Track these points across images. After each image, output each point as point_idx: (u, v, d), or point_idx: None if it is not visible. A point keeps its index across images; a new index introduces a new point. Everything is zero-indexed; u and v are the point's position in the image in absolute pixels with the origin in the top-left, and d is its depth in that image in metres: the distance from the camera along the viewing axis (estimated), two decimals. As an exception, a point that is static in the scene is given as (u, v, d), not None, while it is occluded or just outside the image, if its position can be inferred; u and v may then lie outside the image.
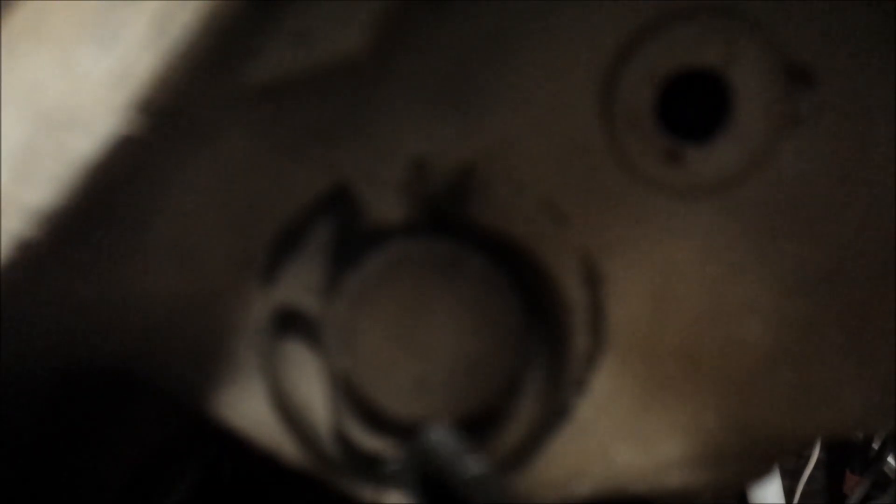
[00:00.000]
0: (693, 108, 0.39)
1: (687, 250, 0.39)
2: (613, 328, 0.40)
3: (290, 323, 0.39)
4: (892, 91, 0.38)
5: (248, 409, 0.39)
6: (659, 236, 0.39)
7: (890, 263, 0.39)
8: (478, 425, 0.40)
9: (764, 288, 0.39)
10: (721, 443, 0.40)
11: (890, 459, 1.60)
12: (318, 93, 0.37)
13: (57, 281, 0.35)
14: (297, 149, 0.37)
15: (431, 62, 0.38)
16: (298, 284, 0.39)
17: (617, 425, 0.40)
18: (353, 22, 0.36)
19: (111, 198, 0.34)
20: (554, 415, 0.40)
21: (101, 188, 0.32)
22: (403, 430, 0.39)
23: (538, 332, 0.40)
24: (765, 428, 0.40)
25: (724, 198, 0.39)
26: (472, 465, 0.36)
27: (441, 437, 0.38)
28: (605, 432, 0.40)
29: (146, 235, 0.37)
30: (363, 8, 0.35)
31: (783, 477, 1.60)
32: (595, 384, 0.40)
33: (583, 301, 0.39)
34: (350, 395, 0.39)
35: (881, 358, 0.40)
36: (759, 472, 0.42)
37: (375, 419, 0.39)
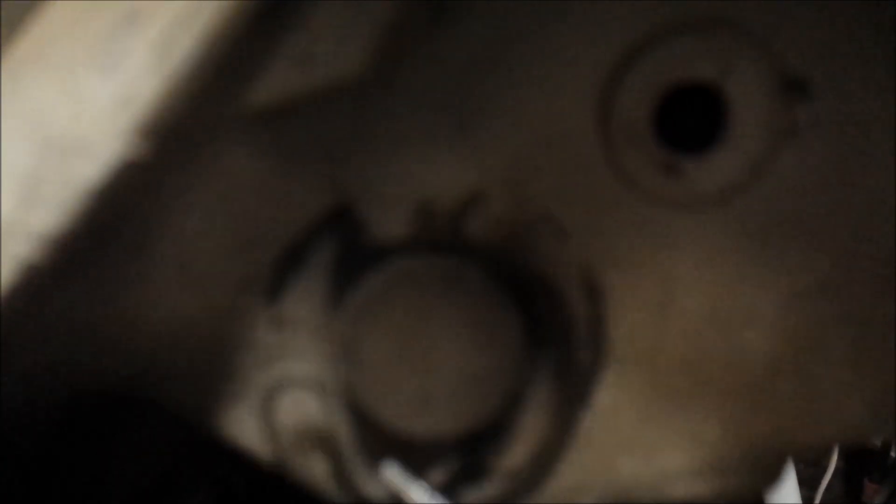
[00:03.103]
0: (691, 120, 0.40)
1: (687, 261, 0.39)
2: (615, 341, 0.40)
3: (294, 344, 0.39)
4: (888, 101, 0.38)
5: (251, 426, 0.39)
6: (659, 248, 0.39)
7: (889, 272, 0.39)
8: (482, 440, 0.40)
9: (764, 297, 0.39)
10: (725, 453, 0.40)
11: (908, 467, 1.59)
12: (319, 113, 0.37)
13: (63, 303, 0.36)
14: (299, 167, 0.38)
15: (432, 82, 0.38)
16: (302, 302, 0.39)
17: (620, 437, 0.40)
18: (353, 43, 0.36)
19: (116, 221, 0.35)
20: (559, 429, 0.40)
21: (106, 212, 0.32)
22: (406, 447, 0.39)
23: (541, 346, 0.40)
24: (768, 437, 0.40)
25: (723, 209, 0.39)
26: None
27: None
28: (608, 445, 0.40)
29: (150, 257, 0.37)
30: (363, 29, 0.36)
31: (801, 486, 1.59)
32: (598, 397, 0.40)
33: (584, 314, 0.40)
34: (353, 410, 0.39)
35: (884, 365, 0.40)
36: (765, 482, 0.42)
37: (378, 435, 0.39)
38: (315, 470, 0.40)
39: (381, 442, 0.40)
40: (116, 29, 0.32)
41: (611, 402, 0.40)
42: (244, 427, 0.40)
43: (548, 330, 0.40)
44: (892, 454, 1.59)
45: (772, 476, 0.41)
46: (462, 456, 0.40)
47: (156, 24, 0.32)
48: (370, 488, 0.40)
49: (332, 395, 0.39)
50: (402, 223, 0.39)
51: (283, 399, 0.39)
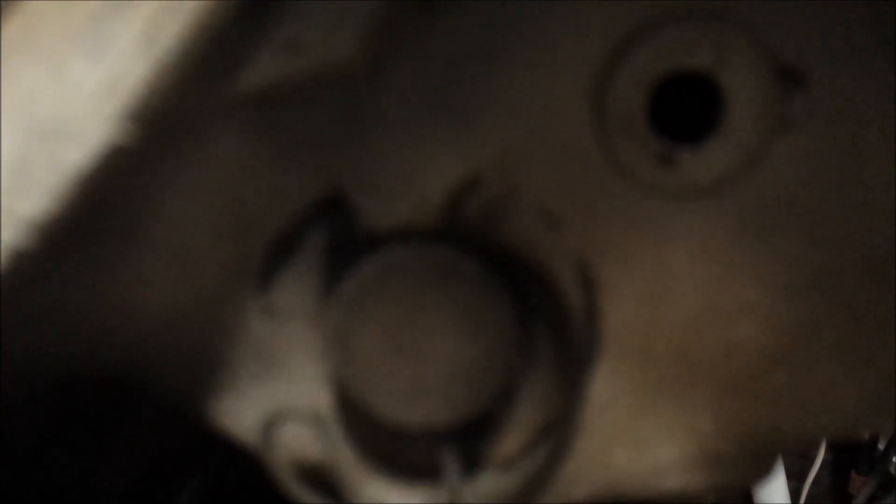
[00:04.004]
0: (686, 110, 0.39)
1: (681, 253, 0.39)
2: (609, 332, 0.40)
3: (286, 334, 0.39)
4: (884, 93, 0.38)
5: (244, 416, 0.39)
6: (653, 239, 0.39)
7: (884, 264, 0.39)
8: (476, 430, 0.40)
9: (758, 290, 0.39)
10: (718, 445, 0.40)
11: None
12: (311, 100, 0.37)
13: (52, 291, 0.35)
14: (290, 155, 0.38)
15: (424, 71, 0.38)
16: (294, 292, 0.39)
17: (614, 429, 0.40)
18: (343, 31, 0.36)
19: (105, 207, 0.35)
20: (553, 420, 0.40)
21: (94, 198, 0.32)
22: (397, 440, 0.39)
23: (535, 336, 0.40)
24: (761, 430, 0.40)
25: (718, 200, 0.39)
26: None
27: None
28: (602, 436, 0.40)
29: (141, 244, 0.37)
30: (353, 17, 0.35)
31: (789, 478, 1.59)
32: (592, 388, 0.40)
33: (579, 305, 0.39)
34: (346, 400, 0.39)
35: (877, 359, 0.39)
36: (758, 474, 0.42)
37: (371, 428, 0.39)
38: (308, 462, 0.40)
39: (374, 432, 0.39)
40: (103, 14, 0.31)
41: (605, 393, 0.40)
42: (236, 417, 0.39)
43: (542, 320, 0.39)
44: (880, 447, 1.60)
45: (764, 468, 0.41)
46: (456, 446, 0.40)
47: (142, 9, 0.31)
48: (362, 479, 0.40)
49: (325, 385, 0.39)
50: (394, 213, 0.39)
51: (274, 389, 0.39)
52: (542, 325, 0.40)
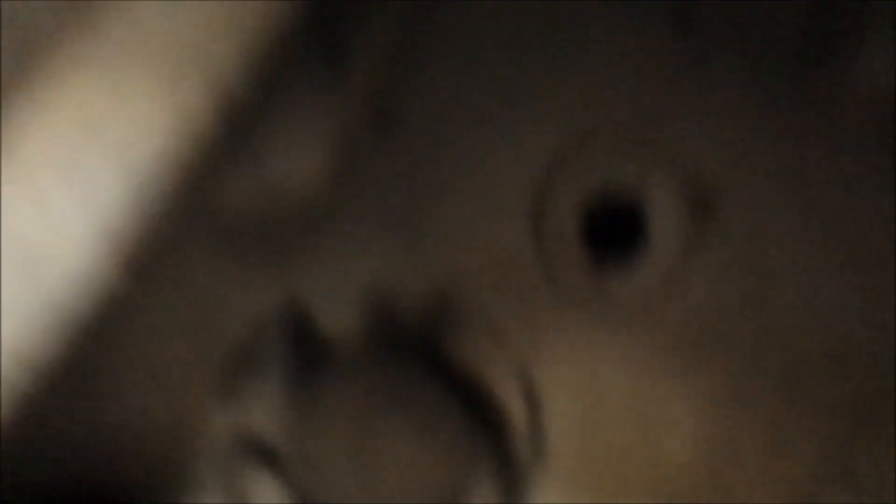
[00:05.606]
0: (616, 232, 0.42)
1: (611, 366, 0.42)
2: (551, 441, 0.42)
3: (251, 446, 0.39)
4: (792, 213, 0.41)
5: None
6: (585, 353, 0.42)
7: (795, 384, 0.41)
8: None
9: (685, 407, 0.42)
10: None
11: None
12: (273, 217, 0.38)
13: (42, 423, 0.34)
14: (256, 271, 0.39)
15: (377, 192, 0.40)
16: (257, 405, 0.39)
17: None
18: (304, 153, 0.38)
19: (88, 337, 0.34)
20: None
21: (84, 331, 0.32)
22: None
23: (484, 448, 0.41)
24: None
25: (643, 317, 0.42)
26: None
27: None
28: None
29: (118, 362, 0.37)
30: (314, 141, 0.37)
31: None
32: (536, 496, 0.42)
33: (522, 415, 0.41)
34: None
35: (794, 474, 0.41)
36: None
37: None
38: None
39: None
40: (81, 143, 0.31)
41: (547, 500, 0.42)
42: None
43: (490, 432, 0.41)
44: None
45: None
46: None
47: (112, 133, 0.31)
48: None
49: (288, 496, 0.39)
50: (350, 322, 0.40)
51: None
52: (490, 436, 0.41)
